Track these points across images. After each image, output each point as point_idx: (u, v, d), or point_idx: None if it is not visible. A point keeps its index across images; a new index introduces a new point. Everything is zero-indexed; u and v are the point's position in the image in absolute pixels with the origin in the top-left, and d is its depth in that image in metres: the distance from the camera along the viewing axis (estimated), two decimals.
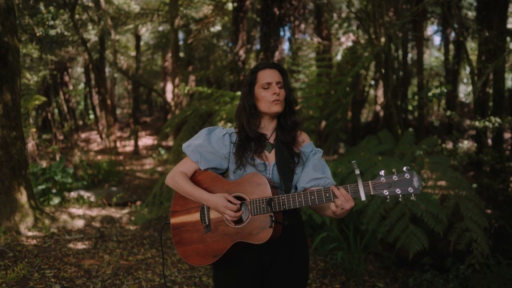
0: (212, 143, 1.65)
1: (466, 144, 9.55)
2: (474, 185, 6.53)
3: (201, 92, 6.64)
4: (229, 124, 6.19)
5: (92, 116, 18.40)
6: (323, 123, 7.38)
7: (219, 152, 1.64)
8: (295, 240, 1.62)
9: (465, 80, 18.79)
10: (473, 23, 9.54)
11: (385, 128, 5.59)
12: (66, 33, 10.18)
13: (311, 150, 1.67)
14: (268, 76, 1.61)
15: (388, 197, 1.38)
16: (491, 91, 8.00)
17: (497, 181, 5.89)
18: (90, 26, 11.46)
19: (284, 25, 7.22)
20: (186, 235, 1.64)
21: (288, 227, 1.59)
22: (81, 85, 22.27)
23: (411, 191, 1.35)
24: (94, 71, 12.50)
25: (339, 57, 8.25)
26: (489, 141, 7.67)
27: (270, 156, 1.64)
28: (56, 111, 15.30)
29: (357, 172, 1.38)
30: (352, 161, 1.41)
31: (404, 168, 1.37)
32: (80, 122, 20.90)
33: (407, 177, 1.37)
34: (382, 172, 1.38)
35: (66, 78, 15.23)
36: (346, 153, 5.07)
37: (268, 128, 1.67)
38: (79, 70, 22.08)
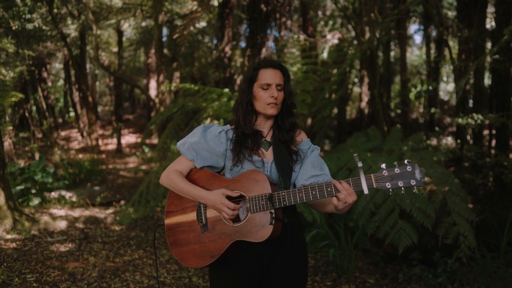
0: (208, 141, 1.60)
1: (449, 141, 9.79)
2: (456, 181, 6.69)
3: (187, 89, 6.52)
4: (215, 122, 6.11)
5: (72, 114, 17.89)
6: (309, 120, 7.40)
7: (215, 150, 1.59)
8: (294, 239, 1.58)
9: (444, 78, 19.28)
10: (454, 23, 9.75)
11: (373, 125, 5.64)
12: (44, 27, 9.81)
13: (308, 147, 1.64)
14: (269, 76, 1.56)
15: (390, 190, 1.37)
16: (469, 88, 8.20)
17: (479, 176, 6.05)
18: (69, 21, 11.09)
19: (271, 21, 7.18)
20: (181, 236, 1.58)
21: (287, 225, 1.55)
22: (61, 82, 21.63)
23: (414, 183, 1.34)
24: (74, 67, 12.13)
25: (325, 55, 8.27)
26: (468, 138, 7.88)
27: (268, 154, 1.61)
28: (34, 108, 14.77)
29: (360, 165, 1.35)
30: (354, 154, 1.39)
31: (406, 161, 1.36)
32: (60, 120, 20.29)
33: (409, 170, 1.35)
34: (383, 165, 1.36)
35: (45, 74, 14.71)
36: (336, 150, 5.08)
37: (264, 126, 1.64)
38: (58, 66, 21.43)
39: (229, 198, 1.52)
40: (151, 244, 4.21)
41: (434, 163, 4.05)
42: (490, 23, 9.73)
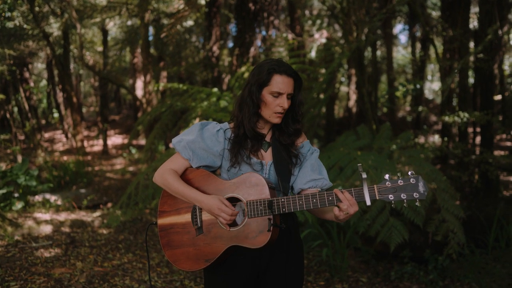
0: (205, 139, 1.53)
1: (437, 139, 9.95)
2: (443, 178, 6.80)
3: (175, 88, 6.43)
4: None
5: (56, 115, 17.47)
6: None
7: (212, 149, 1.53)
8: (291, 243, 1.55)
9: (429, 77, 19.62)
10: (438, 22, 9.92)
11: (362, 124, 5.68)
12: (25, 26, 9.53)
13: (308, 149, 1.60)
14: (282, 84, 1.47)
15: (393, 202, 1.34)
16: (453, 86, 8.35)
17: (465, 173, 6.15)
18: (52, 19, 10.80)
19: (259, 20, 7.14)
20: (175, 237, 1.52)
21: (285, 229, 1.51)
22: (44, 82, 21.12)
23: (417, 196, 1.32)
24: (57, 67, 11.83)
25: (313, 54, 8.28)
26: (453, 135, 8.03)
27: (266, 155, 1.55)
28: (16, 109, 14.36)
29: (364, 176, 1.31)
30: (358, 164, 1.36)
31: (409, 173, 1.34)
32: (43, 121, 19.82)
33: (413, 182, 1.33)
34: (387, 176, 1.34)
35: (27, 75, 14.31)
36: (326, 148, 5.08)
37: (264, 127, 1.58)
38: (40, 66, 20.90)
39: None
40: (141, 247, 4.12)
41: (423, 161, 4.10)
42: (472, 23, 9.93)
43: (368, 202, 1.32)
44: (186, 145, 1.53)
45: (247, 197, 1.43)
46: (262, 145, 1.55)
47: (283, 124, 1.56)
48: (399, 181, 1.34)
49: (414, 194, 1.32)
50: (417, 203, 1.32)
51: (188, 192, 1.48)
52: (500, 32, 7.07)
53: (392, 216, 3.40)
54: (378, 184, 1.35)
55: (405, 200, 1.32)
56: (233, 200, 1.49)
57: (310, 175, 1.52)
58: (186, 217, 1.52)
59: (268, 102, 1.48)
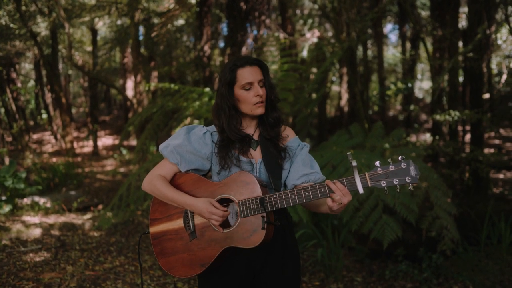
0: (192, 143, 1.50)
1: (428, 137, 10.05)
2: (436, 175, 6.87)
3: (166, 88, 6.36)
4: (196, 121, 5.98)
5: (45, 116, 17.19)
6: (290, 119, 7.39)
7: (200, 152, 1.50)
8: (286, 242, 1.52)
9: (419, 76, 19.83)
10: (428, 22, 10.02)
11: (355, 122, 5.69)
12: (12, 25, 9.33)
13: (297, 145, 1.57)
14: (248, 75, 1.46)
15: (385, 188, 1.32)
16: (443, 85, 8.44)
17: (457, 171, 6.21)
18: (39, 19, 10.59)
19: (251, 20, 7.10)
20: (168, 245, 1.48)
21: (279, 228, 1.49)
22: (31, 83, 20.75)
23: (409, 180, 1.30)
24: (46, 67, 11.62)
25: (305, 53, 8.28)
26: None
27: (256, 154, 1.53)
28: (2, 110, 14.07)
29: (354, 164, 1.29)
30: (348, 153, 1.33)
31: (400, 157, 1.31)
32: (32, 123, 19.49)
33: (404, 166, 1.31)
34: (377, 163, 1.32)
35: (14, 75, 14.03)
36: (318, 147, 5.08)
37: (250, 126, 1.56)
38: (28, 66, 20.53)
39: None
40: (133, 249, 4.05)
41: (415, 159, 4.12)
42: (461, 23, 10.05)
43: (361, 190, 1.30)
44: (173, 150, 1.50)
45: (238, 196, 1.40)
46: (251, 145, 1.53)
47: (264, 116, 1.54)
48: (390, 166, 1.31)
49: (406, 178, 1.30)
50: (410, 188, 1.30)
51: (178, 197, 1.44)
52: (488, 31, 7.16)
53: (385, 213, 3.41)
54: (369, 172, 1.33)
55: (397, 186, 1.31)
56: (225, 201, 1.45)
57: (302, 170, 1.50)
58: (179, 223, 1.48)
59: (243, 97, 1.47)
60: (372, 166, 3.59)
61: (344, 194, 1.31)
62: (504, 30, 8.49)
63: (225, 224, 1.44)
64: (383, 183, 1.31)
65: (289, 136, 1.59)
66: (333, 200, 1.32)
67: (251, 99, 1.46)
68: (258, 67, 1.49)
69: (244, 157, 1.49)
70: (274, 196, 1.37)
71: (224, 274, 1.48)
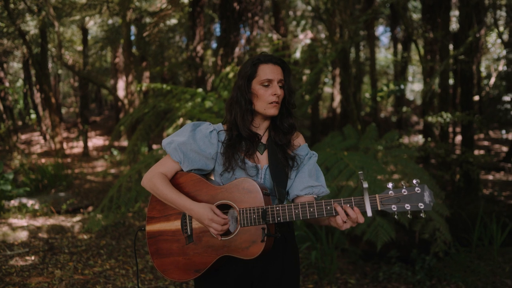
0: (198, 141, 1.43)
1: (420, 139, 10.15)
2: (428, 177, 6.92)
3: (158, 89, 6.29)
4: (188, 121, 5.92)
5: (33, 116, 16.90)
6: None
7: (205, 152, 1.43)
8: (286, 251, 1.47)
9: (410, 78, 20.05)
10: (419, 24, 10.12)
11: (347, 124, 5.69)
12: (0, 23, 9.15)
13: (306, 153, 1.52)
14: (270, 72, 1.41)
15: (396, 213, 1.25)
16: (434, 88, 8.53)
17: (448, 172, 6.26)
18: (28, 17, 10.41)
19: (244, 20, 7.08)
20: (164, 245, 1.43)
21: (280, 237, 1.43)
22: (20, 82, 20.40)
23: (422, 207, 1.22)
24: (34, 67, 11.42)
25: (297, 54, 8.28)
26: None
27: (262, 158, 1.47)
28: None
29: (365, 185, 1.23)
30: (359, 172, 1.28)
31: (414, 181, 1.24)
32: (20, 123, 19.14)
33: (418, 191, 1.23)
34: (390, 185, 1.24)
35: (1, 74, 13.77)
36: (312, 149, 5.07)
37: (261, 127, 1.49)
38: (16, 65, 20.18)
39: (217, 207, 1.38)
40: (123, 252, 3.98)
41: (408, 160, 4.13)
42: (451, 26, 10.18)
43: (369, 214, 1.23)
44: (177, 147, 1.43)
45: (240, 204, 1.35)
46: (258, 147, 1.47)
47: (278, 120, 1.49)
48: (402, 190, 1.25)
49: (419, 204, 1.22)
50: (422, 215, 1.22)
51: (178, 199, 1.38)
52: (477, 34, 7.25)
53: (378, 215, 3.40)
54: (380, 194, 1.26)
55: (409, 211, 1.24)
56: (226, 207, 1.41)
57: (308, 181, 1.45)
58: (176, 224, 1.43)
59: (260, 93, 1.42)
60: (366, 168, 3.58)
61: (359, 219, 1.24)
62: (494, 34, 8.63)
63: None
64: (394, 208, 1.24)
65: (300, 144, 1.54)
66: (345, 222, 1.27)
67: (267, 97, 1.41)
68: (281, 68, 1.45)
69: (250, 161, 1.44)
70: (277, 208, 1.31)
71: (222, 282, 1.43)
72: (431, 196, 1.23)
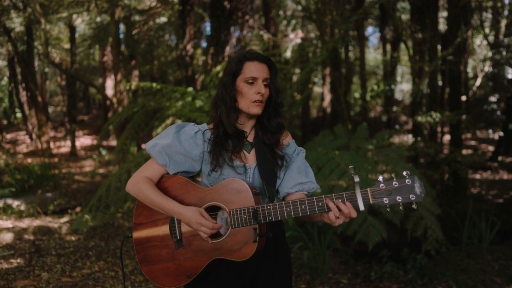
0: (183, 142, 1.40)
1: (410, 138, 10.26)
2: (419, 176, 7.00)
3: (147, 88, 6.20)
4: (178, 121, 5.85)
5: (19, 115, 16.53)
6: None
7: (190, 153, 1.40)
8: (278, 251, 1.45)
9: (398, 79, 20.27)
10: (407, 25, 10.22)
11: (338, 124, 5.71)
12: None
13: (294, 150, 1.50)
14: (255, 70, 1.38)
15: (388, 206, 1.25)
16: (422, 88, 8.63)
17: (437, 172, 6.33)
18: (14, 14, 10.16)
19: (234, 19, 7.03)
20: (152, 252, 1.39)
21: (271, 237, 1.40)
22: (5, 80, 19.94)
23: (413, 198, 1.22)
24: (20, 65, 11.16)
25: (288, 54, 8.28)
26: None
27: (250, 157, 1.44)
28: None
29: (356, 179, 1.22)
30: (350, 166, 1.26)
31: (404, 173, 1.24)
32: (5, 122, 18.73)
33: (408, 183, 1.23)
34: (380, 178, 1.24)
35: None
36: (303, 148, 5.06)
37: (246, 125, 1.47)
38: (1, 63, 19.72)
39: (206, 210, 1.34)
40: (113, 254, 3.90)
41: (398, 159, 4.16)
42: (439, 27, 10.31)
43: (362, 207, 1.23)
44: (162, 150, 1.39)
45: (229, 205, 1.31)
46: (244, 146, 1.44)
47: (266, 120, 1.46)
48: (393, 182, 1.25)
49: (411, 196, 1.22)
50: (413, 206, 1.24)
51: (165, 203, 1.34)
52: (464, 35, 7.36)
53: (370, 215, 3.41)
54: (371, 187, 1.26)
55: (400, 203, 1.24)
56: (215, 209, 1.37)
57: (297, 178, 1.43)
58: (164, 229, 1.39)
59: (244, 91, 1.39)
60: (357, 168, 3.58)
61: (352, 214, 1.23)
62: (480, 35, 8.77)
63: (214, 234, 1.36)
64: (386, 200, 1.24)
65: (287, 141, 1.51)
66: (337, 218, 1.25)
67: (251, 95, 1.38)
68: (266, 66, 1.42)
69: (238, 160, 1.41)
70: (268, 207, 1.29)
71: (214, 286, 1.40)
72: (421, 187, 1.24)
